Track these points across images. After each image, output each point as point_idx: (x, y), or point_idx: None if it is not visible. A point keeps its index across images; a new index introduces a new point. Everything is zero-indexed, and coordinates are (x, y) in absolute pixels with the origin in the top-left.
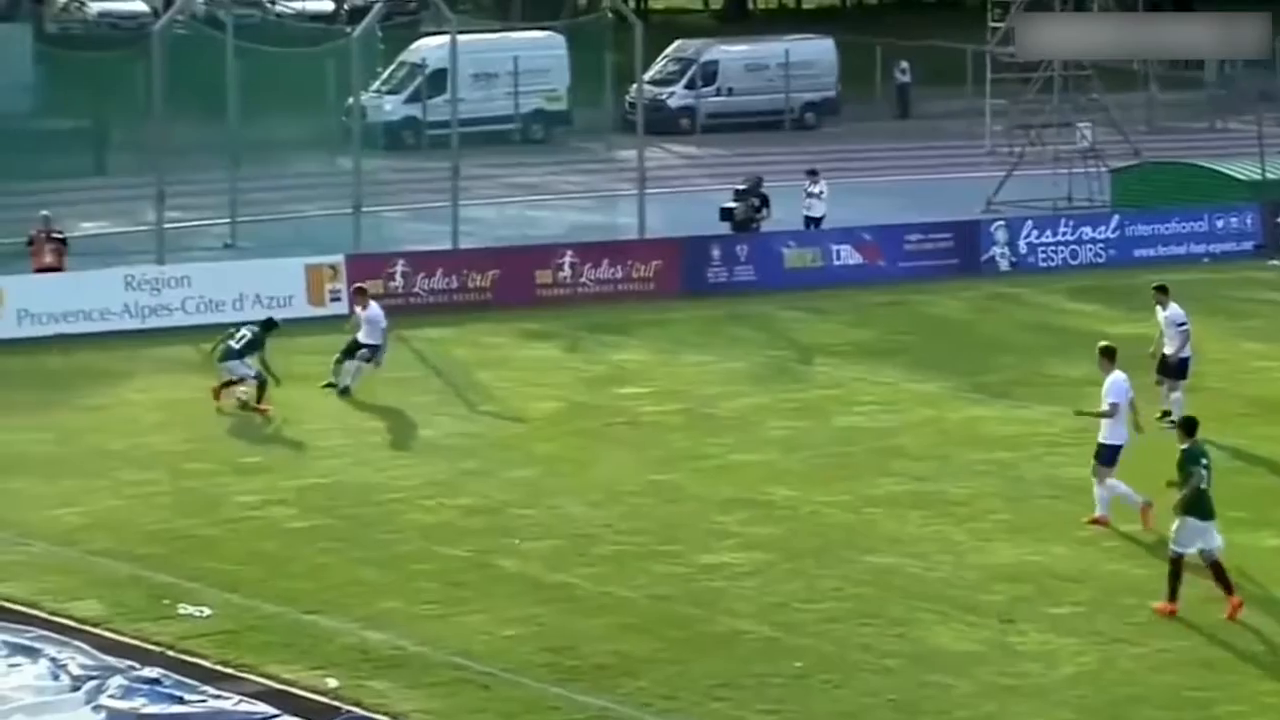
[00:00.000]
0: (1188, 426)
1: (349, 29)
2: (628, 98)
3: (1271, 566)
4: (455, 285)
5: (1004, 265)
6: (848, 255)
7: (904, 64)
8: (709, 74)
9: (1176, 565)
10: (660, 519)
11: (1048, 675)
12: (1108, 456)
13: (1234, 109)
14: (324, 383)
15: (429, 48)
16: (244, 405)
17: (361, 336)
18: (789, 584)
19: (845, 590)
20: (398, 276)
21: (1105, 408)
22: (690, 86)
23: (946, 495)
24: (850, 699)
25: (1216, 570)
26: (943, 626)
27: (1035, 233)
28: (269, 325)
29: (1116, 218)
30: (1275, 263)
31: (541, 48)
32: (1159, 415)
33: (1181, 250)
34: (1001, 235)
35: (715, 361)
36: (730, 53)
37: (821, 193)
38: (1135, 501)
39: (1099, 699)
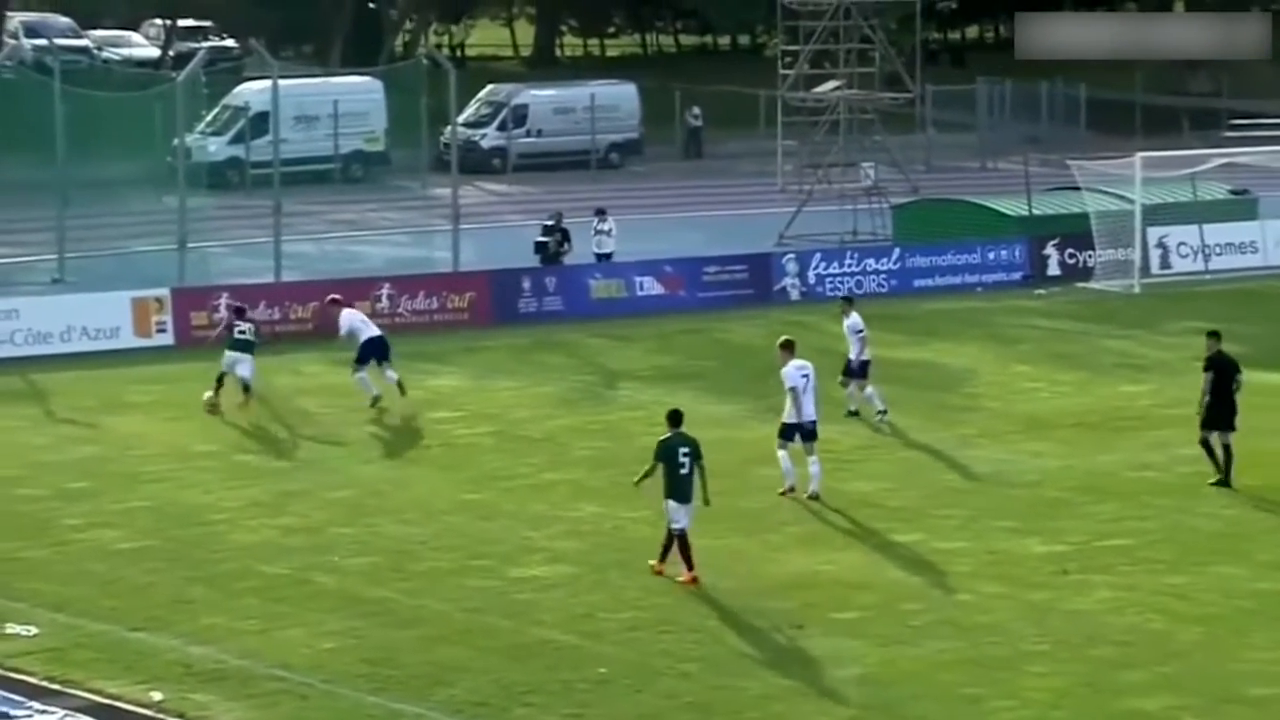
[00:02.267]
0: (672, 419)
1: (174, 74)
2: (442, 139)
3: (1035, 570)
4: (278, 316)
5: (795, 295)
6: (650, 286)
7: (695, 110)
8: (520, 116)
9: (682, 540)
10: (473, 535)
11: (833, 676)
12: (787, 433)
13: (1003, 150)
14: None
15: (252, 91)
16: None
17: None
18: (594, 595)
19: (647, 600)
20: (222, 309)
21: (787, 391)
22: (502, 128)
23: (741, 509)
24: (650, 702)
25: (682, 545)
26: (736, 632)
27: (823, 264)
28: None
29: (898, 250)
30: (1041, 292)
31: (360, 92)
32: (846, 414)
33: (957, 280)
34: (792, 267)
35: (526, 386)
36: (540, 96)
37: (610, 230)
38: (786, 478)
39: (880, 698)
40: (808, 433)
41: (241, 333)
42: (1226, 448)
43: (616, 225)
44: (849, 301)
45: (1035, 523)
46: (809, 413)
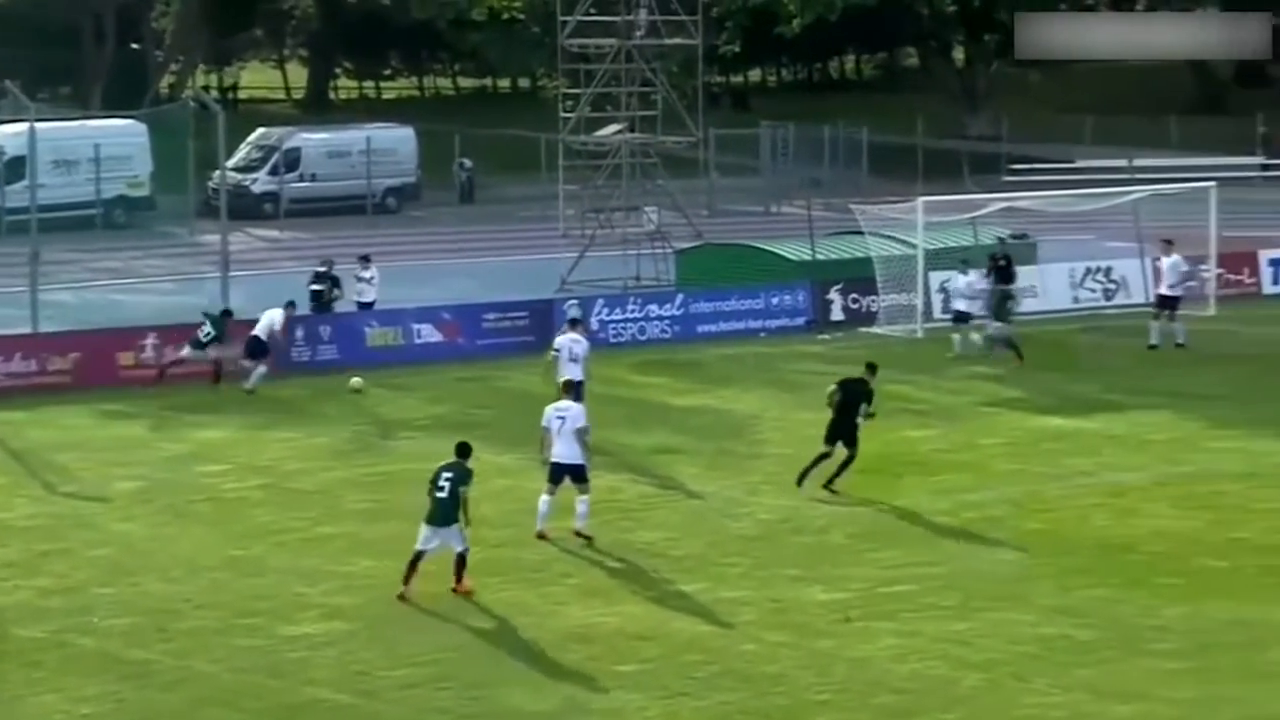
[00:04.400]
0: (459, 449)
1: None
2: (210, 183)
3: (819, 618)
4: (34, 368)
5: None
6: (428, 334)
7: (466, 161)
8: (292, 160)
9: (417, 559)
10: (241, 592)
11: None
12: (549, 474)
13: (786, 194)
14: None
15: (7, 135)
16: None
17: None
18: (369, 651)
19: (424, 656)
20: None
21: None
22: (274, 172)
23: (522, 561)
24: None
25: (459, 562)
26: (516, 688)
27: (606, 310)
28: (227, 314)
29: (681, 296)
30: (825, 337)
31: (123, 135)
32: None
33: (741, 326)
34: (575, 313)
35: (299, 438)
36: (313, 140)
37: (373, 278)
38: (541, 518)
39: None
40: (560, 473)
41: (207, 334)
42: (849, 459)
43: (393, 271)
44: (574, 324)
45: (819, 570)
46: (558, 453)
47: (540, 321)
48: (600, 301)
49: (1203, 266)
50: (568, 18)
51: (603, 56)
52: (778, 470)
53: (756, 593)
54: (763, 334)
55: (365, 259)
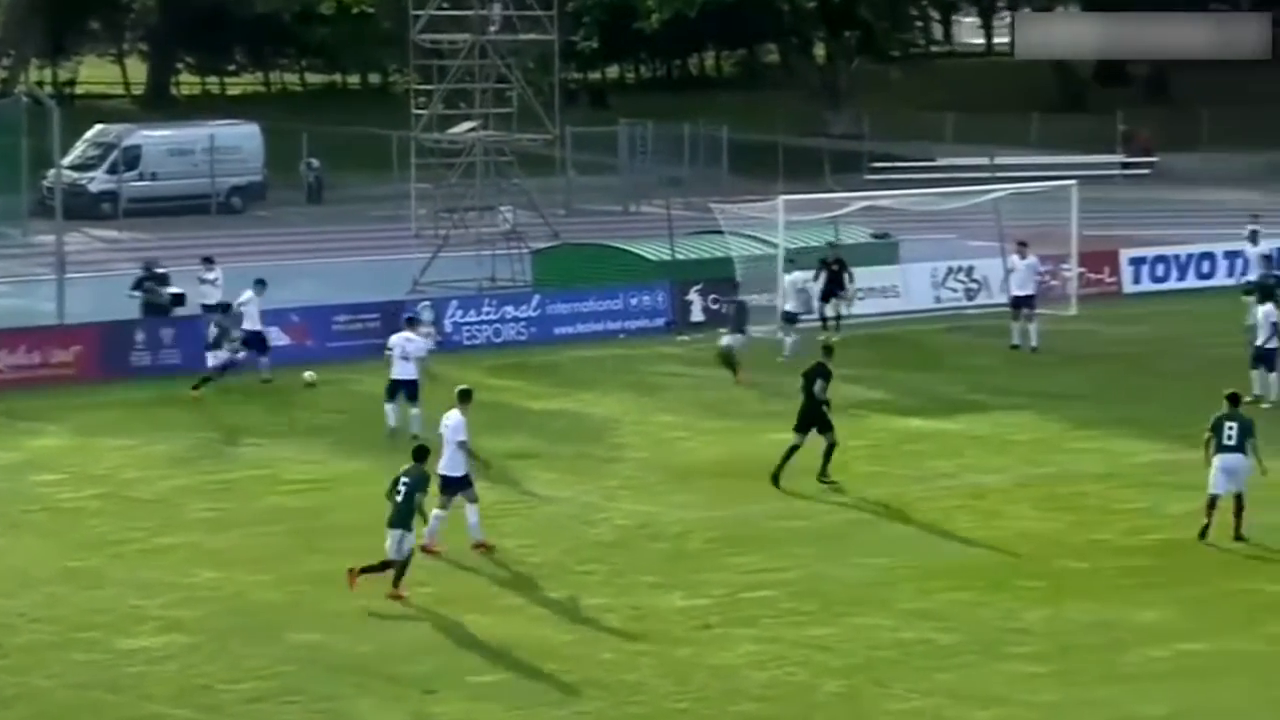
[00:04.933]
0: (417, 454)
1: None
2: (45, 182)
3: (678, 625)
4: None
5: (430, 344)
6: (276, 337)
7: (314, 161)
8: (131, 158)
9: (402, 563)
10: (78, 606)
11: None
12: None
13: (645, 193)
14: None
15: None
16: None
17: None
18: (212, 665)
19: (270, 669)
20: None
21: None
22: (112, 171)
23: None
24: None
25: (396, 565)
26: (365, 699)
27: (460, 312)
28: (227, 308)
29: (537, 297)
30: (684, 338)
31: None
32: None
33: (599, 327)
34: (427, 315)
35: (138, 445)
36: (153, 137)
37: (217, 280)
38: (430, 532)
39: None
40: (449, 484)
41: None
42: (830, 446)
43: (238, 273)
44: (411, 321)
45: (679, 576)
46: (441, 465)
47: (392, 324)
48: (454, 303)
49: (1064, 266)
50: (419, 12)
51: (456, 52)
52: (636, 475)
53: (615, 600)
54: (621, 335)
55: (208, 260)
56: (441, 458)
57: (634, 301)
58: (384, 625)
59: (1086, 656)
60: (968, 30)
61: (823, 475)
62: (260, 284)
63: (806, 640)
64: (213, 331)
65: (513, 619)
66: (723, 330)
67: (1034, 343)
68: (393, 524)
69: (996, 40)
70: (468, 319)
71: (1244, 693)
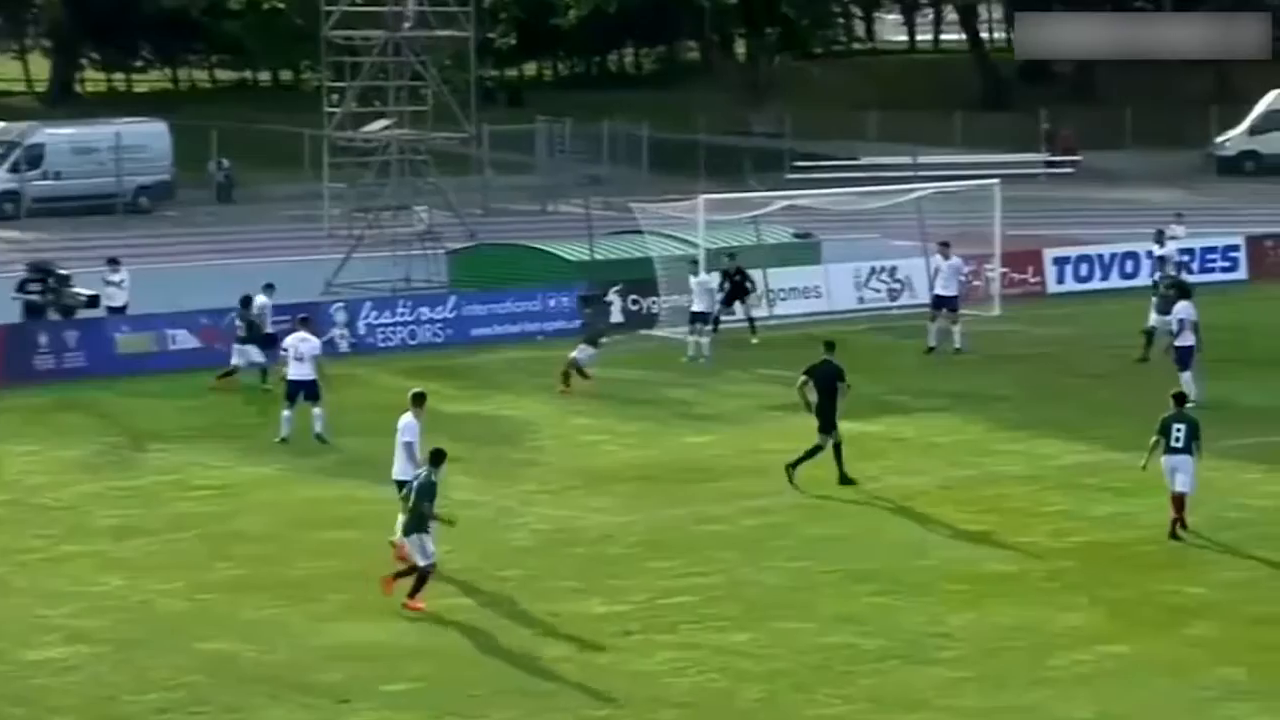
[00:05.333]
0: (433, 458)
1: None
2: None
3: (598, 632)
4: None
5: (344, 346)
6: (184, 340)
7: (224, 161)
8: (34, 157)
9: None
10: None
11: None
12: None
13: (564, 192)
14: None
15: None
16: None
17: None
18: (117, 676)
19: (177, 679)
20: None
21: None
22: (14, 170)
23: (284, 577)
24: None
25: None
26: (276, 710)
27: (375, 314)
28: (246, 302)
29: (454, 298)
30: (604, 340)
31: None
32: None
33: (516, 329)
34: (341, 317)
35: (42, 451)
36: (57, 135)
37: (123, 281)
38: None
39: None
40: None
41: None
42: (837, 446)
43: (146, 275)
44: (305, 321)
45: (597, 581)
46: (395, 469)
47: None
48: (369, 305)
49: (987, 265)
50: (332, 7)
51: (369, 48)
52: (554, 479)
53: (533, 606)
54: (539, 337)
55: (114, 261)
56: (396, 461)
57: (552, 303)
58: (296, 633)
59: (1011, 660)
60: (890, 28)
61: (843, 479)
62: (269, 288)
63: (728, 646)
64: (241, 328)
65: (428, 626)
66: (645, 331)
67: (958, 344)
68: (407, 532)
69: (919, 37)
70: (382, 321)
71: (1166, 694)
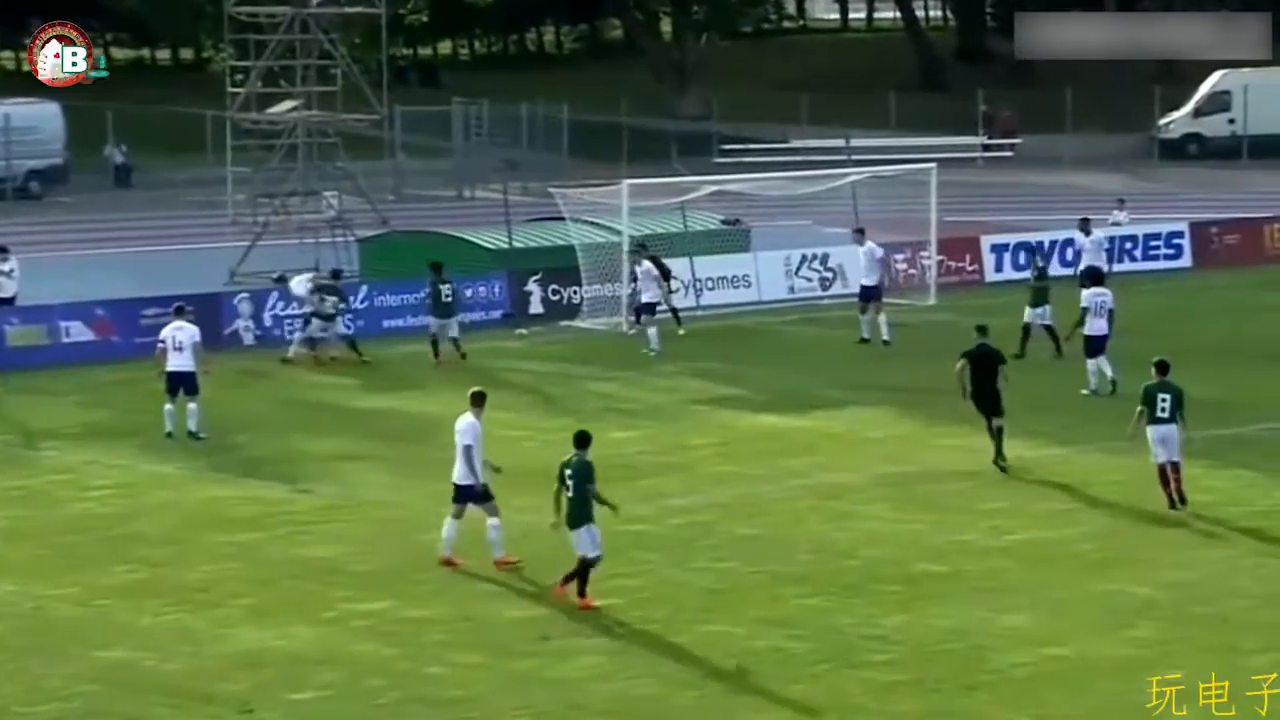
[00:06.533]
0: (578, 440)
1: None
2: None
3: (516, 637)
4: None
5: (249, 339)
6: (79, 332)
7: (122, 145)
8: None
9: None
10: None
11: None
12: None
13: (481, 177)
14: None
15: None
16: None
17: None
18: (9, 686)
19: (72, 689)
20: None
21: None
22: None
23: (185, 581)
24: None
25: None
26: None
27: (281, 305)
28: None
29: (365, 288)
30: (523, 331)
31: None
32: None
33: (430, 320)
34: (246, 308)
35: None
36: None
37: (12, 271)
38: (447, 544)
39: None
40: (460, 494)
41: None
42: (999, 430)
43: (37, 263)
44: (179, 312)
45: (516, 584)
46: (455, 473)
47: (208, 318)
48: (275, 295)
49: (923, 253)
50: None
51: (275, 26)
52: None
53: (447, 610)
54: (521, 331)
55: (3, 250)
56: (458, 465)
57: (469, 293)
58: (197, 641)
59: (947, 664)
60: (822, 5)
61: (998, 459)
62: (280, 280)
63: (653, 650)
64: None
65: (337, 631)
66: (566, 323)
67: (885, 335)
68: (573, 525)
69: (852, 16)
70: (289, 311)
71: (1109, 697)
